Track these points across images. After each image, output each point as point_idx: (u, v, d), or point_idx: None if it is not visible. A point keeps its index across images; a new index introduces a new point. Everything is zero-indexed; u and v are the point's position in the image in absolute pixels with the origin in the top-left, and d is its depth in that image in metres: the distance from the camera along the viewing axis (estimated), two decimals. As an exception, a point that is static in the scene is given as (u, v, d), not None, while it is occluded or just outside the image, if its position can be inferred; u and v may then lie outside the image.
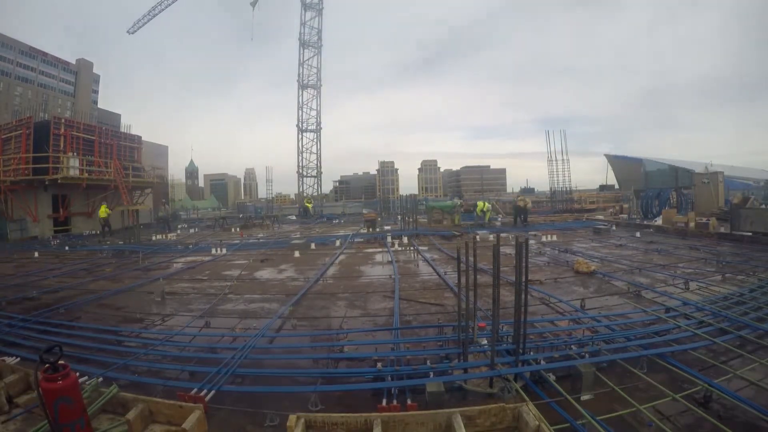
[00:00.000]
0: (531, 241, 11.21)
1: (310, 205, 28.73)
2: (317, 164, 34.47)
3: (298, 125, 33.55)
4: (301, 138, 33.83)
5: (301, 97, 33.36)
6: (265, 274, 8.40)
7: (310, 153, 34.28)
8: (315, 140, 34.15)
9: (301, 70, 33.26)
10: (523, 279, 3.23)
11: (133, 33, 52.59)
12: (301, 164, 34.10)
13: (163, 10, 48.12)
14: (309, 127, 33.92)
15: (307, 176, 34.51)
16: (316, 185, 34.98)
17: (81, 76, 61.28)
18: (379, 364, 3.44)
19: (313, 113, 33.76)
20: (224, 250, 11.49)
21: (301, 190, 34.28)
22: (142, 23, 50.99)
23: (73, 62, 61.28)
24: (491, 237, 12.34)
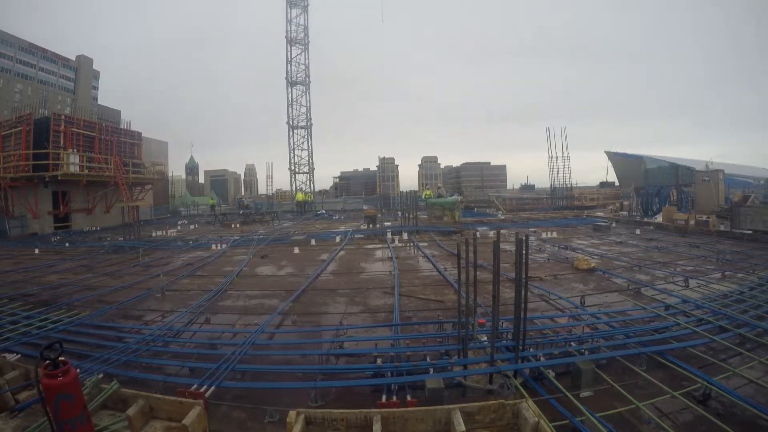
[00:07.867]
0: (531, 238, 11.20)
1: (301, 197, 28.52)
2: (309, 161, 34.44)
3: (288, 122, 33.47)
4: (292, 135, 33.76)
5: (290, 95, 33.31)
6: (266, 270, 8.40)
7: (302, 149, 34.25)
8: (306, 137, 34.07)
9: (289, 68, 33.15)
10: (523, 276, 3.23)
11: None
12: (293, 161, 34.04)
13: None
14: (300, 124, 33.86)
15: (299, 173, 34.50)
16: (308, 181, 34.98)
17: (81, 73, 61.05)
18: (378, 360, 3.44)
19: (303, 110, 33.71)
20: (224, 246, 11.51)
21: (294, 187, 34.25)
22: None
23: (73, 59, 61.04)
24: (491, 234, 12.33)
